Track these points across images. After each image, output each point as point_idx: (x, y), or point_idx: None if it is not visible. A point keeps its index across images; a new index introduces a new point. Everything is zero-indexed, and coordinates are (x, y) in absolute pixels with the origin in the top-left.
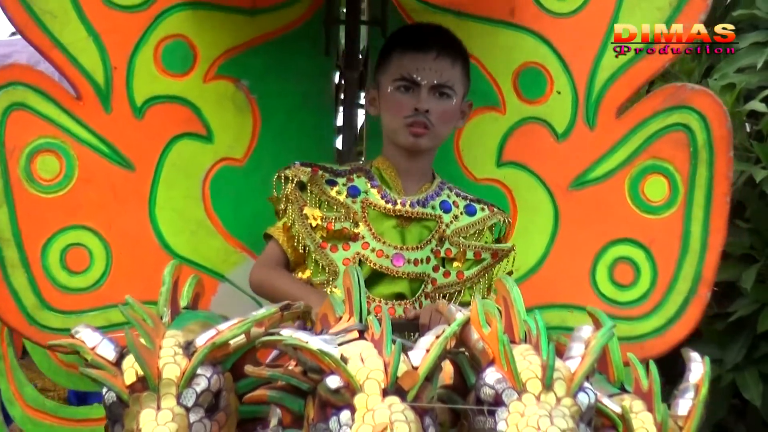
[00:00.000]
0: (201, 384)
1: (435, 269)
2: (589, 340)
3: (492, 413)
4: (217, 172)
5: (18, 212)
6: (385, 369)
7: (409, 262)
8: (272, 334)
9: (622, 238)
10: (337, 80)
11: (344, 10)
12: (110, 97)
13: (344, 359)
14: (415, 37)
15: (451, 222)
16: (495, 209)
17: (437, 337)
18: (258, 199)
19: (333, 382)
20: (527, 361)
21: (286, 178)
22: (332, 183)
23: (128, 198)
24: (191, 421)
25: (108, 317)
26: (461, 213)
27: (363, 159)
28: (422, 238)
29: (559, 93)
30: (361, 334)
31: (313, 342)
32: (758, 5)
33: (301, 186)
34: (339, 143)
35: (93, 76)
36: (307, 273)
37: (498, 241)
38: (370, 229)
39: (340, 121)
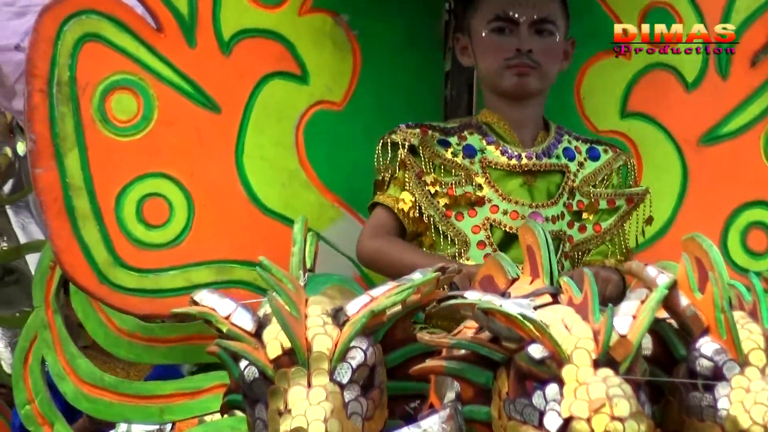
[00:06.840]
0: (356, 358)
1: (569, 225)
2: None
3: (709, 388)
4: (312, 116)
5: (90, 157)
6: (595, 337)
7: (547, 220)
8: (451, 297)
9: (757, 200)
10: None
11: None
12: (195, 30)
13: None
14: None
15: (578, 170)
16: (618, 150)
17: (642, 302)
18: (358, 147)
19: (536, 351)
20: (746, 330)
21: (394, 144)
22: (444, 143)
23: (213, 143)
24: (346, 399)
25: (189, 277)
26: (585, 159)
27: (474, 109)
28: (551, 192)
29: None
30: (554, 298)
31: (508, 306)
32: None
33: (412, 150)
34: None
35: (176, 5)
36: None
37: (627, 185)
38: (497, 191)
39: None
